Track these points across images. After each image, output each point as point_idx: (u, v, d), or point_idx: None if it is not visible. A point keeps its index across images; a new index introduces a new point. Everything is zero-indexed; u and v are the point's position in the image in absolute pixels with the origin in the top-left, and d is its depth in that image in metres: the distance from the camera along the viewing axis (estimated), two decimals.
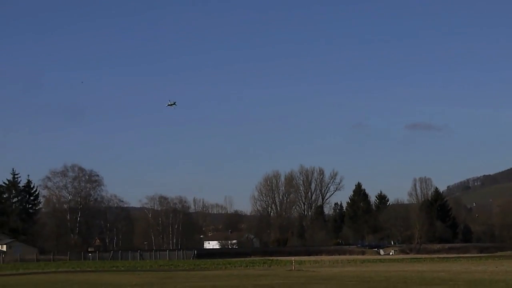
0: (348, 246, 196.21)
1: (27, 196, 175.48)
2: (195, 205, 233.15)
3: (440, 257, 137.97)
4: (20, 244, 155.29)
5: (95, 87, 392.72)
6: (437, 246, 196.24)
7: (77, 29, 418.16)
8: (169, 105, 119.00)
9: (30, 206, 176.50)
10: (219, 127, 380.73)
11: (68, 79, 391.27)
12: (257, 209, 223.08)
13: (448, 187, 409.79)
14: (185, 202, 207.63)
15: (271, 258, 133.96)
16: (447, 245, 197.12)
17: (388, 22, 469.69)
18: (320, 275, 60.50)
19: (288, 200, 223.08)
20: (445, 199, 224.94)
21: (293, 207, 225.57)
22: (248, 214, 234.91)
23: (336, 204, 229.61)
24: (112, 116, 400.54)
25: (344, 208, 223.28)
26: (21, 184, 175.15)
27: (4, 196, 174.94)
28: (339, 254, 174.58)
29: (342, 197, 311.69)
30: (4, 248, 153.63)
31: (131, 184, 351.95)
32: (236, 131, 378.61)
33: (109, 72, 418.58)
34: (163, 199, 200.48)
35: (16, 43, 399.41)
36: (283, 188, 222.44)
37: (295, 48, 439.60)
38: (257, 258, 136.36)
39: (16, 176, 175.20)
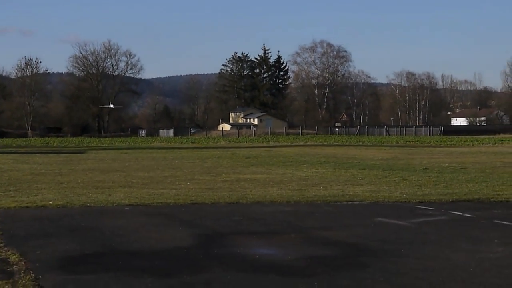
0: None
1: (277, 71, 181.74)
2: (443, 82, 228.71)
3: None
4: (271, 118, 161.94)
5: None
6: None
7: None
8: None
9: (280, 81, 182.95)
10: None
11: None
12: (508, 85, 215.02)
13: None
14: (432, 78, 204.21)
15: None
16: None
17: None
18: None
19: None
20: None
21: None
22: (498, 90, 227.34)
23: None
24: None
25: None
26: (272, 60, 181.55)
27: (256, 71, 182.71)
28: None
29: None
30: (256, 121, 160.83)
31: (378, 60, 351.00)
32: (485, 4, 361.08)
33: None
34: (410, 75, 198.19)
35: None
36: None
37: None
38: (506, 136, 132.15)
39: (267, 51, 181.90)
